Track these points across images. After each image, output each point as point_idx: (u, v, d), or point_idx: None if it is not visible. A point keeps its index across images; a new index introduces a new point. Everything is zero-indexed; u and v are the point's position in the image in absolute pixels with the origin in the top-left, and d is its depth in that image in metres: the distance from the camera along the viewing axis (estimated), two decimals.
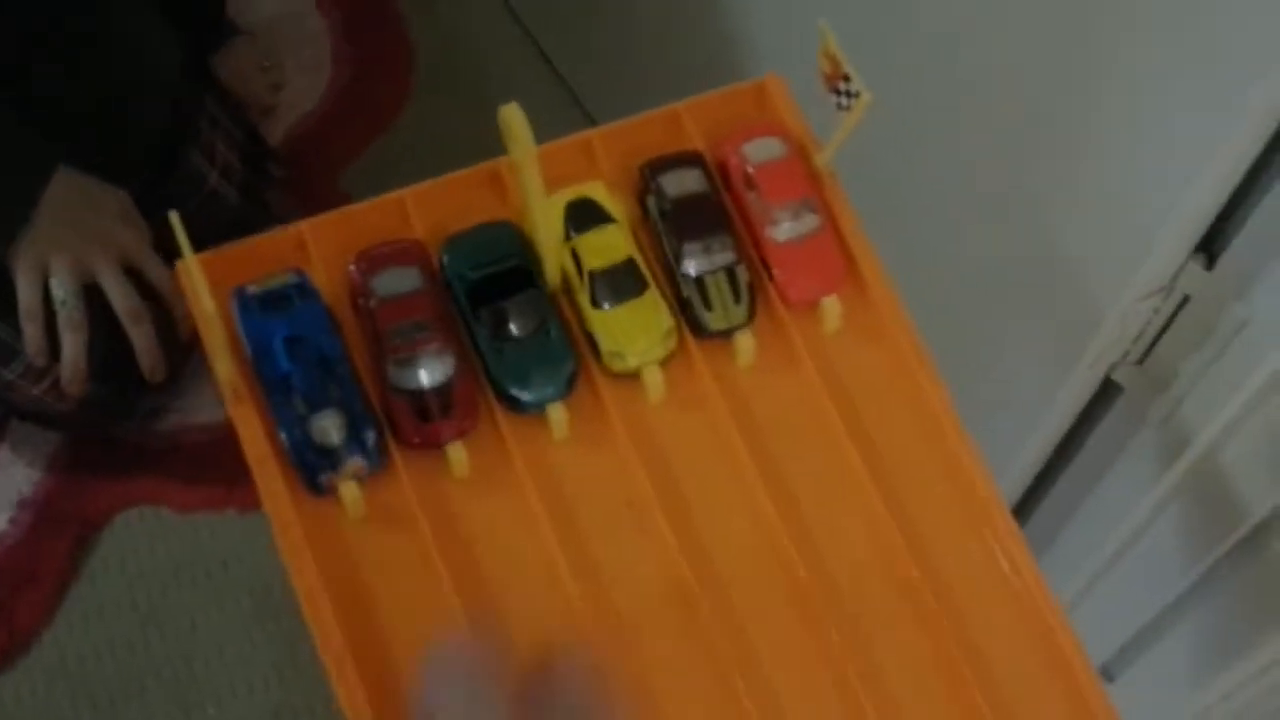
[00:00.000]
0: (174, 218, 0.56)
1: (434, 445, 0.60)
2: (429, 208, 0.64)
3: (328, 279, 0.63)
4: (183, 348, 1.11)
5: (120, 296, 1.01)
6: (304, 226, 0.63)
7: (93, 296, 1.01)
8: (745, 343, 0.63)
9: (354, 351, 0.62)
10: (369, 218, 0.64)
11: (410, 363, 0.60)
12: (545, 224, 0.60)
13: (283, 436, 0.59)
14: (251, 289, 0.61)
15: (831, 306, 0.64)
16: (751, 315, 0.64)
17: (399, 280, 0.61)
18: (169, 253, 1.07)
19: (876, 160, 0.74)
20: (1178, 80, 0.69)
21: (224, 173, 1.18)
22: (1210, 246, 0.77)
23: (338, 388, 0.60)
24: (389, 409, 0.60)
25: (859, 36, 0.62)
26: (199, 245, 1.23)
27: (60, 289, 1.00)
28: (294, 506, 0.58)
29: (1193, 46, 0.67)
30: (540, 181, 0.57)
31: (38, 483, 1.22)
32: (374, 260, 0.62)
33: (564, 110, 1.42)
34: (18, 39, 1.01)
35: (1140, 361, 0.87)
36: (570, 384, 0.62)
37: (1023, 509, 1.05)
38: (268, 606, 1.18)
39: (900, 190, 0.86)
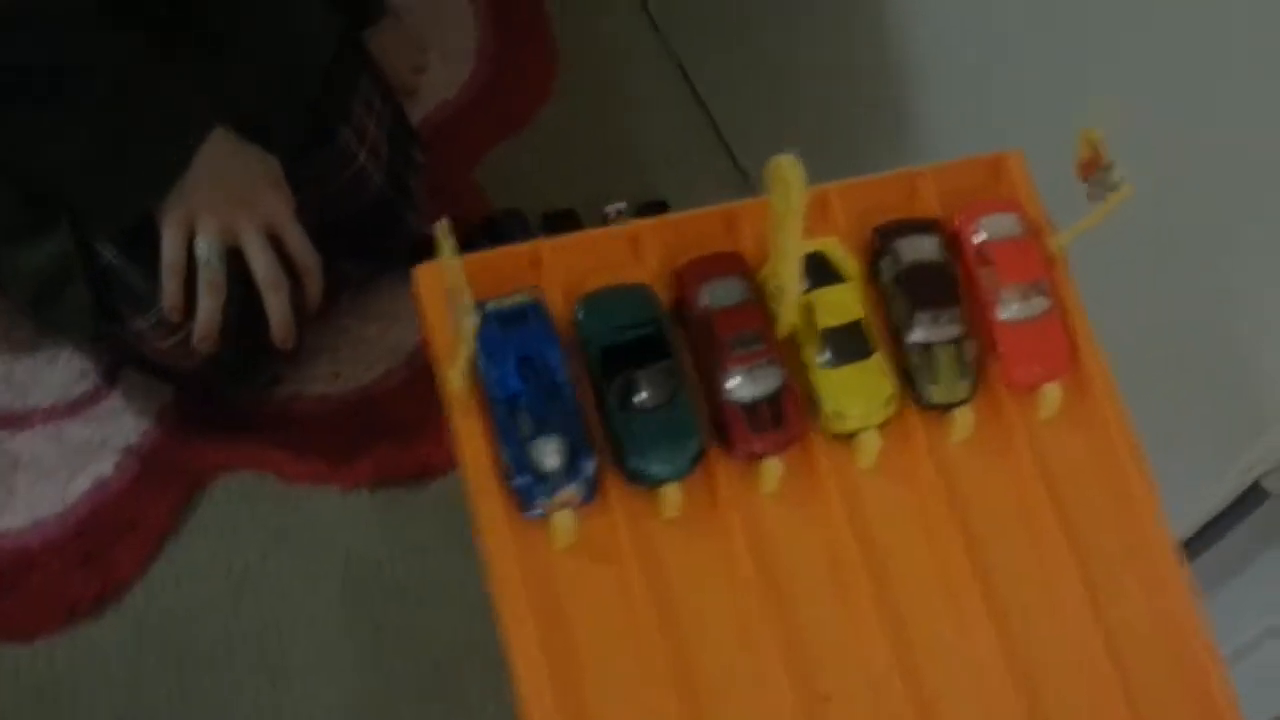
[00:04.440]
0: (441, 226, 0.56)
1: (762, 455, 0.61)
2: (662, 242, 0.64)
3: (562, 301, 0.63)
4: (308, 320, 1.11)
5: (262, 263, 1.01)
6: (543, 246, 0.63)
7: (232, 259, 1.02)
8: (964, 419, 0.63)
9: (685, 360, 0.62)
10: (602, 245, 0.64)
11: (749, 373, 0.60)
12: (794, 277, 0.60)
13: (504, 455, 0.59)
14: (492, 305, 0.61)
15: (1052, 393, 0.64)
16: (974, 392, 0.63)
17: (728, 291, 0.62)
18: (306, 225, 1.08)
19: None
20: None
21: (372, 152, 1.18)
22: None
23: (562, 414, 0.60)
24: (721, 417, 0.61)
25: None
26: (342, 223, 1.23)
27: (205, 248, 1.00)
28: (508, 527, 0.58)
29: None
30: (800, 235, 0.57)
31: (145, 432, 1.22)
32: (700, 270, 0.62)
33: (700, 132, 1.42)
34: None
35: None
36: (694, 463, 0.61)
37: None
38: (360, 590, 1.18)
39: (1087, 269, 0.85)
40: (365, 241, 1.21)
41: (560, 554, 0.59)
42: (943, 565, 0.62)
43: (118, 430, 1.22)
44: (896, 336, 0.64)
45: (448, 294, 0.55)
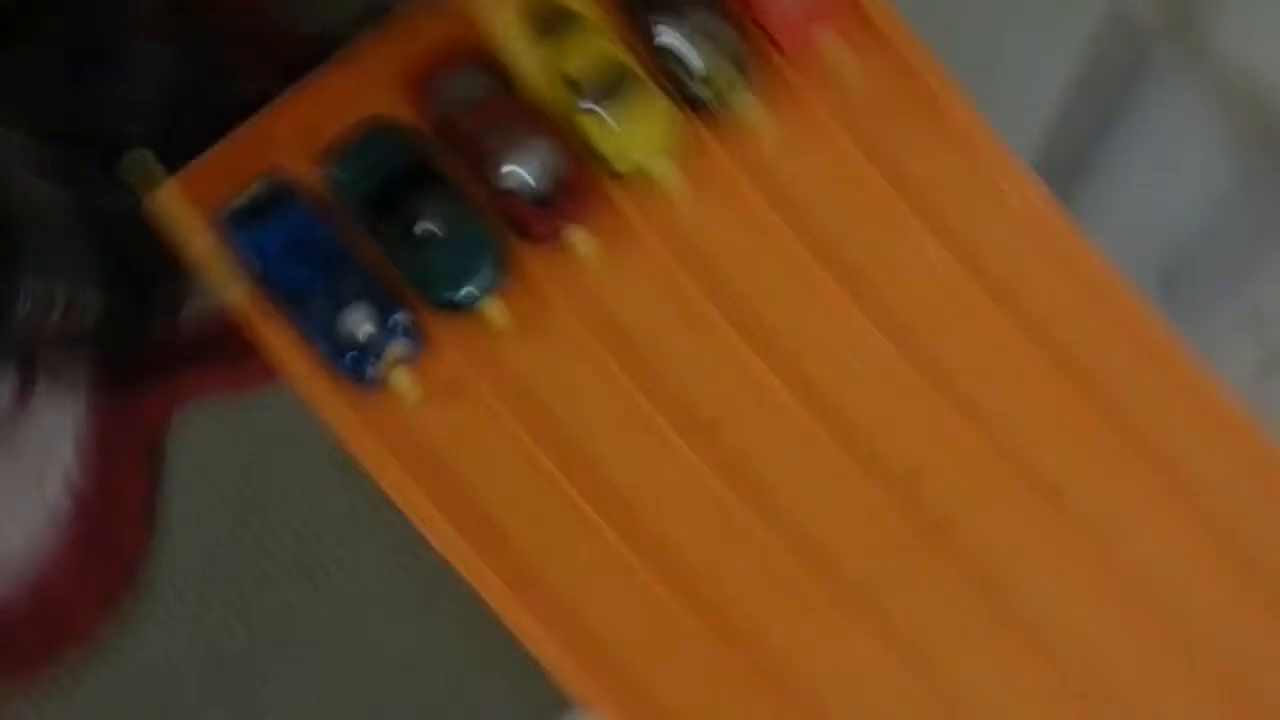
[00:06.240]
0: (143, 155, 0.52)
1: (560, 232, 0.58)
2: (387, 59, 0.59)
3: (309, 165, 0.59)
4: None
5: None
6: (263, 118, 0.58)
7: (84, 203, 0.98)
8: (745, 102, 0.59)
9: (453, 172, 0.58)
10: (328, 91, 0.59)
11: (515, 155, 0.57)
12: (511, 33, 0.55)
13: (319, 345, 0.57)
14: (228, 208, 0.57)
15: (831, 42, 0.59)
16: (744, 73, 0.59)
17: (467, 84, 0.58)
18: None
19: None
20: None
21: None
22: None
23: (353, 279, 0.57)
24: (508, 213, 0.57)
25: None
26: None
27: None
28: (353, 410, 0.57)
29: None
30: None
31: (83, 416, 1.22)
32: (430, 76, 0.58)
33: None
34: None
35: None
36: (501, 269, 0.58)
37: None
38: (349, 463, 1.19)
39: None
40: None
41: (416, 412, 0.58)
42: (798, 274, 0.59)
43: (59, 430, 1.21)
44: (650, 52, 0.59)
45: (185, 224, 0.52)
